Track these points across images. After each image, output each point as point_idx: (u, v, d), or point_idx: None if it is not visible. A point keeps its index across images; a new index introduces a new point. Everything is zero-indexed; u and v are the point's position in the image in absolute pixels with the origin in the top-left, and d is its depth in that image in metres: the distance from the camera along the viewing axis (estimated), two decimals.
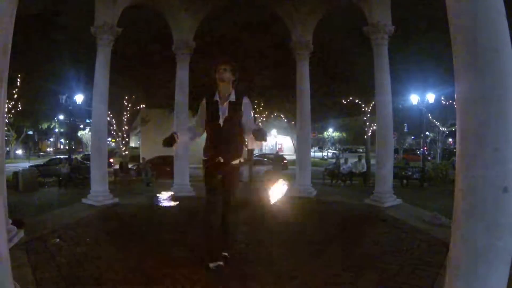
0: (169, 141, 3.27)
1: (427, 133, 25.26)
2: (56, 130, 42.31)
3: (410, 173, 13.72)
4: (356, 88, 15.71)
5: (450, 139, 33.80)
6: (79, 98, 16.43)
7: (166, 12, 8.61)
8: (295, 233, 5.08)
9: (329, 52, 11.90)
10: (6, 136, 6.35)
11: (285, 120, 26.47)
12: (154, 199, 7.85)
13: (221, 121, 3.43)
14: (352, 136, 39.45)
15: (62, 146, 49.51)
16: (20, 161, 29.14)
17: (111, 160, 20.22)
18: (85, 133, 37.76)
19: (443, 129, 26.38)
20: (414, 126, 28.93)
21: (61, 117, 32.20)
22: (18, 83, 16.50)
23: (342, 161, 15.03)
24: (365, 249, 4.22)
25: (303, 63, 8.69)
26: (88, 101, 15.72)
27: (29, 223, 5.06)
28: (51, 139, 49.22)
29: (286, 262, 3.68)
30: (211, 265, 3.34)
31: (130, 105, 18.61)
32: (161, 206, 7.27)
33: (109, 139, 28.46)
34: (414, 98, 16.59)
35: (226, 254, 3.63)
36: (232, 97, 3.48)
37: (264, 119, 21.31)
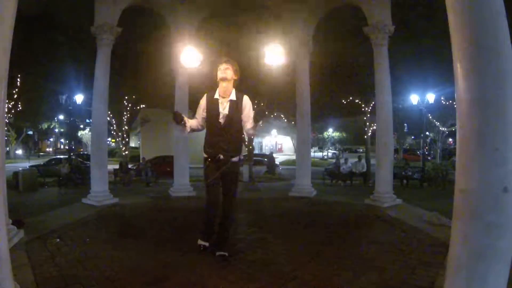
0: (178, 117, 3.51)
1: (427, 133, 25.26)
2: (56, 130, 42.31)
3: (410, 173, 13.73)
4: (356, 88, 15.72)
5: (450, 139, 33.82)
6: (79, 98, 16.44)
7: (166, 12, 8.60)
8: (295, 233, 5.08)
9: (329, 52, 11.89)
10: (6, 136, 6.35)
11: (285, 120, 26.49)
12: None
13: (221, 119, 3.55)
14: (352, 136, 39.45)
15: (62, 146, 49.48)
16: (20, 161, 29.13)
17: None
18: (85, 133, 37.74)
19: (443, 129, 26.39)
20: (414, 126, 28.91)
21: (61, 117, 32.18)
22: (18, 83, 16.51)
23: (342, 161, 15.03)
24: (365, 249, 4.22)
25: (303, 62, 8.69)
26: (88, 101, 15.73)
27: (29, 223, 5.07)
28: (51, 139, 49.20)
29: (286, 262, 3.68)
30: (200, 242, 3.86)
31: (130, 105, 18.63)
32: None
33: (109, 139, 28.49)
34: (414, 98, 16.59)
35: (225, 253, 3.65)
36: (233, 96, 3.59)
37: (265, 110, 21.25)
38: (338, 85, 15.12)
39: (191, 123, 3.70)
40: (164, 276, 3.26)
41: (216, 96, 3.61)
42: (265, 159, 20.90)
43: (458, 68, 2.38)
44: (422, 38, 11.58)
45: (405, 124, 30.71)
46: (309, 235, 4.97)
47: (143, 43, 11.45)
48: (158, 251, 4.01)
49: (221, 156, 3.52)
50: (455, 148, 2.87)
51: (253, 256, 3.89)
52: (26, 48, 11.51)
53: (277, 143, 47.63)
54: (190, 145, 8.92)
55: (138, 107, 20.24)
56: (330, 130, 41.39)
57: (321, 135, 42.24)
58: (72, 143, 31.26)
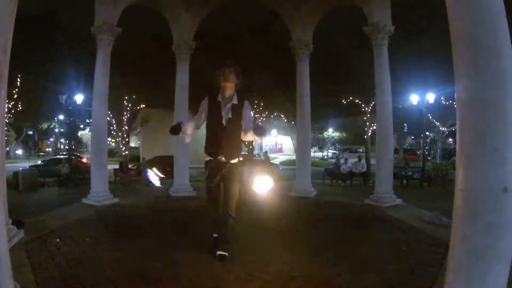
0: (175, 130, 3.53)
1: (427, 133, 25.25)
2: (56, 130, 42.31)
3: (410, 173, 13.73)
4: (356, 88, 15.73)
5: (450, 139, 33.81)
6: (79, 98, 16.43)
7: (166, 12, 8.60)
8: (295, 233, 5.07)
9: (329, 52, 11.91)
10: (6, 136, 6.35)
11: (285, 120, 26.49)
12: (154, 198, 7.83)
13: (223, 122, 3.62)
14: (352, 136, 39.44)
15: (62, 146, 49.48)
16: (20, 161, 29.14)
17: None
18: (85, 133, 37.74)
19: (443, 129, 26.38)
20: (414, 126, 28.90)
21: (61, 117, 32.18)
22: (18, 83, 16.52)
23: (342, 161, 15.03)
24: (365, 249, 4.22)
25: (303, 63, 8.69)
26: (88, 101, 15.73)
27: (29, 223, 5.06)
28: (51, 139, 49.20)
29: (286, 262, 3.68)
30: (218, 252, 3.64)
31: (130, 105, 18.63)
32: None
33: (109, 139, 28.49)
34: (414, 98, 16.59)
35: (225, 253, 3.65)
36: (235, 99, 3.66)
37: (264, 119, 21.34)
38: (338, 85, 15.14)
39: (190, 127, 3.72)
40: (164, 276, 3.26)
41: (218, 99, 3.67)
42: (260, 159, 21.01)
43: (458, 68, 2.38)
44: (422, 38, 11.59)
45: (405, 124, 30.70)
46: (309, 235, 4.97)
47: (143, 43, 11.47)
48: (158, 251, 4.00)
49: (222, 158, 3.62)
50: (455, 148, 2.87)
51: (253, 256, 3.89)
52: (26, 48, 11.53)
53: (277, 143, 47.66)
54: (190, 145, 8.89)
55: (138, 107, 20.24)
56: (330, 130, 41.38)
57: (321, 135, 42.24)
58: (72, 143, 31.28)
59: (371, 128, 17.71)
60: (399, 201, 7.34)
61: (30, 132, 37.24)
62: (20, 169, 12.87)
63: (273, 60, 12.64)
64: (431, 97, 16.35)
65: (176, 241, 4.45)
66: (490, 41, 2.25)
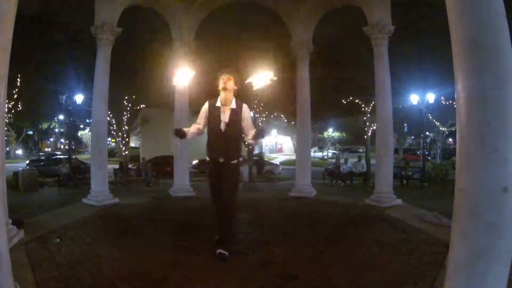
0: (179, 133, 3.83)
1: (427, 133, 25.25)
2: (56, 130, 42.30)
3: (410, 173, 13.74)
4: (356, 88, 15.73)
5: (450, 139, 33.80)
6: (79, 98, 16.43)
7: (166, 12, 8.60)
8: (295, 233, 5.07)
9: (329, 52, 11.91)
10: (6, 136, 6.35)
11: (285, 120, 26.49)
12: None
13: (222, 126, 3.81)
14: (352, 136, 39.44)
15: (62, 146, 49.46)
16: (20, 161, 29.12)
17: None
18: (85, 133, 37.73)
19: (443, 129, 26.36)
20: (414, 126, 28.87)
21: (61, 117, 32.16)
22: (18, 83, 16.51)
23: (342, 161, 15.04)
24: (365, 249, 4.22)
25: (303, 63, 8.69)
26: (88, 101, 15.72)
27: (29, 223, 5.06)
28: (51, 139, 49.19)
29: (286, 262, 3.68)
30: (219, 251, 3.69)
31: (130, 105, 18.62)
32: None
33: (109, 139, 28.48)
34: (414, 98, 16.60)
35: (225, 252, 3.66)
36: (233, 105, 3.86)
37: (264, 119, 21.33)
38: (338, 85, 15.14)
39: (191, 131, 3.97)
40: (164, 276, 3.27)
41: (218, 104, 3.86)
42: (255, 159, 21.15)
43: (458, 68, 2.38)
44: (422, 38, 11.59)
45: (405, 124, 30.68)
46: (309, 235, 4.97)
47: (143, 43, 11.47)
48: (158, 251, 4.00)
49: (221, 160, 3.81)
50: (455, 148, 2.87)
51: (253, 256, 3.89)
52: (26, 48, 11.53)
53: (277, 143, 47.65)
54: (190, 145, 8.92)
55: (138, 107, 20.24)
56: (330, 130, 41.38)
57: (321, 135, 42.23)
58: (72, 143, 31.26)
59: (371, 128, 17.72)
60: (399, 201, 7.34)
61: (30, 132, 37.21)
62: (20, 169, 12.86)
63: (274, 59, 12.64)
64: (431, 97, 16.36)
65: (176, 241, 4.45)
66: (490, 41, 2.24)
